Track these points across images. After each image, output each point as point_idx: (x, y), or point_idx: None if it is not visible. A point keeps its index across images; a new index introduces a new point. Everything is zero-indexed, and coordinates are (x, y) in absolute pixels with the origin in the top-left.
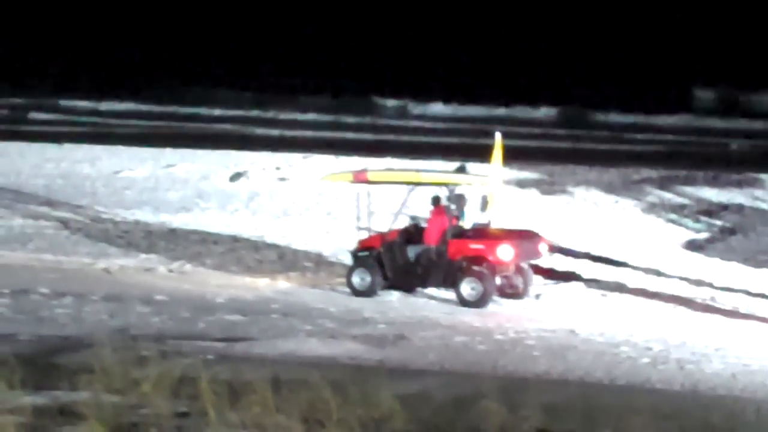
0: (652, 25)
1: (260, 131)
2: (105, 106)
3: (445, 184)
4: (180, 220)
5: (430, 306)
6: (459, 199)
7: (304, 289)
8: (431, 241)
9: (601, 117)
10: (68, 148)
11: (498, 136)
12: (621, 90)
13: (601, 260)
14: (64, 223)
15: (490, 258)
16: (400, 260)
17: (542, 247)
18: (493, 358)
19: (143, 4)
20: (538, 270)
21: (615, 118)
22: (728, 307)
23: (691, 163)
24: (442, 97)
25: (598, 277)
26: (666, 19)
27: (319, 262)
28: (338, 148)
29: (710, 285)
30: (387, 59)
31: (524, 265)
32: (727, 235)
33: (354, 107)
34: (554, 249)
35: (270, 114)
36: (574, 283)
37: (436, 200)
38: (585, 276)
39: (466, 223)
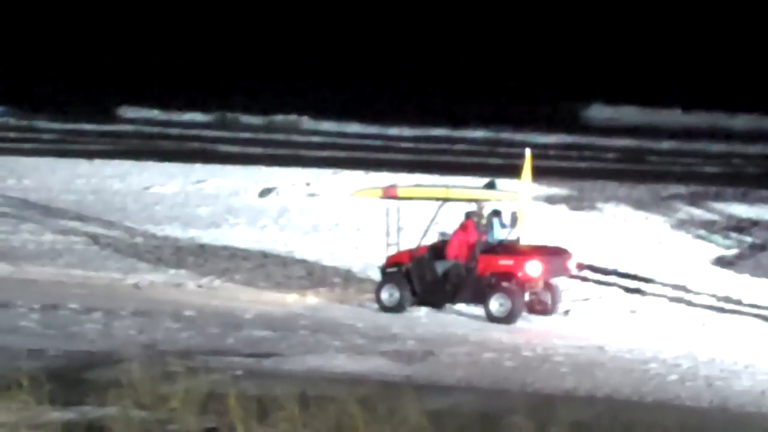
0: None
1: (289, 147)
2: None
3: (475, 200)
4: (209, 236)
5: (459, 322)
6: (495, 215)
7: (333, 305)
8: (452, 255)
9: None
10: (98, 163)
11: (528, 152)
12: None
13: (629, 276)
14: (94, 239)
15: (519, 274)
16: (428, 276)
17: (571, 264)
18: (521, 374)
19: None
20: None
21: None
22: (757, 324)
23: (721, 179)
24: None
25: (626, 293)
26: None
27: (348, 278)
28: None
29: (739, 301)
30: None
31: (553, 281)
32: (757, 251)
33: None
34: (583, 266)
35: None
36: (603, 299)
37: (469, 215)
38: (613, 293)
39: (501, 238)
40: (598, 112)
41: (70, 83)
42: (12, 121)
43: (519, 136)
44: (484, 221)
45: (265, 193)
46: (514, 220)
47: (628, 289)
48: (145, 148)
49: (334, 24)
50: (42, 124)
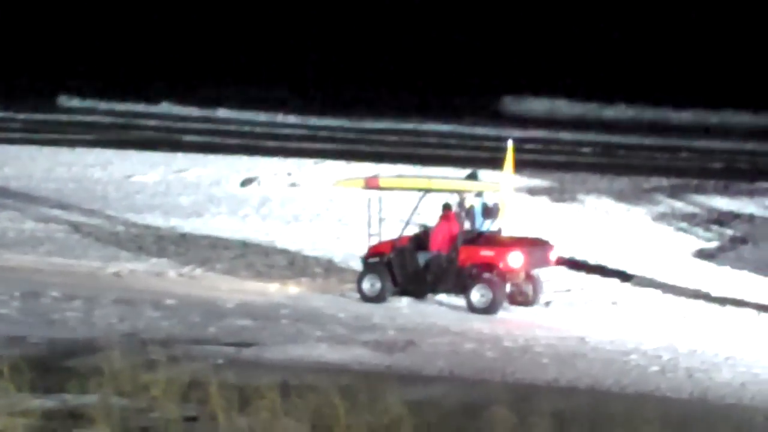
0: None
1: (271, 137)
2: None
3: (456, 191)
4: (191, 225)
5: (440, 312)
6: (477, 206)
7: (314, 294)
8: (435, 246)
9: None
10: (80, 152)
11: (510, 143)
12: None
13: (610, 269)
14: (75, 227)
15: (501, 265)
16: (410, 267)
17: (552, 255)
18: (502, 365)
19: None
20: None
21: None
22: (738, 316)
23: (702, 172)
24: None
25: (607, 285)
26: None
27: (330, 268)
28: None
29: (720, 294)
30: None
31: (534, 272)
32: (738, 244)
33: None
34: (563, 261)
35: (281, 119)
36: (584, 290)
37: (446, 207)
38: (595, 284)
39: (483, 228)
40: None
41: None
42: None
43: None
44: (463, 213)
45: (246, 182)
46: (496, 211)
47: (609, 281)
48: (124, 138)
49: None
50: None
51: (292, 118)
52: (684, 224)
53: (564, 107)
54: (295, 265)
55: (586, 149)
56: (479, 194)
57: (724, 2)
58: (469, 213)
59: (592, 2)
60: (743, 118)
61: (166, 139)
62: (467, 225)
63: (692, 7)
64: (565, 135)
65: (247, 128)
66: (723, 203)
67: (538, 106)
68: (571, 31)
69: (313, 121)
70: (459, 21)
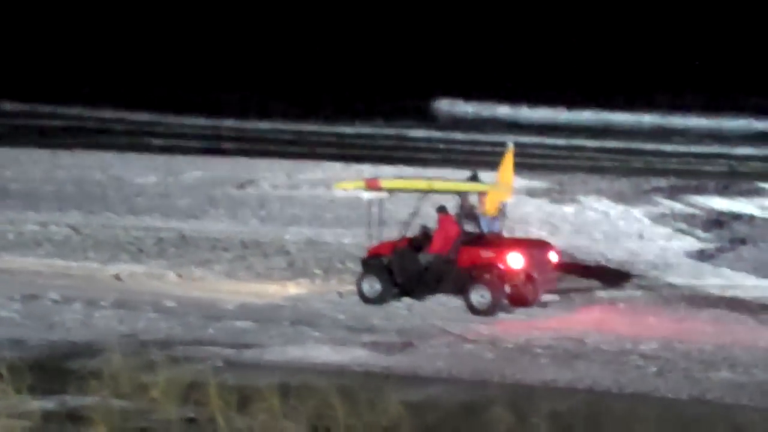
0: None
1: (271, 138)
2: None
3: (457, 192)
4: (190, 227)
5: (439, 313)
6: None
7: (314, 296)
8: (435, 249)
9: None
10: (79, 154)
11: (510, 145)
12: None
13: (608, 272)
14: (75, 229)
15: (500, 266)
16: (410, 268)
17: (552, 256)
18: (501, 366)
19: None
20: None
21: None
22: (736, 317)
23: (702, 173)
24: None
25: (608, 287)
26: None
27: (329, 269)
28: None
29: (719, 295)
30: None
31: (533, 273)
32: (738, 245)
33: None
34: (563, 265)
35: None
36: (583, 291)
37: (441, 209)
38: (593, 285)
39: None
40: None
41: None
42: None
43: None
44: (462, 214)
45: (245, 184)
46: (501, 212)
47: (607, 282)
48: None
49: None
50: None
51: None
52: (683, 225)
53: (564, 115)
54: (294, 267)
55: (586, 153)
56: (483, 195)
57: (722, 3)
58: (474, 215)
59: (594, 5)
60: (741, 123)
61: (165, 143)
62: (472, 227)
63: (689, 7)
64: (565, 141)
65: (246, 132)
66: (722, 204)
67: (537, 114)
68: (571, 35)
69: (312, 126)
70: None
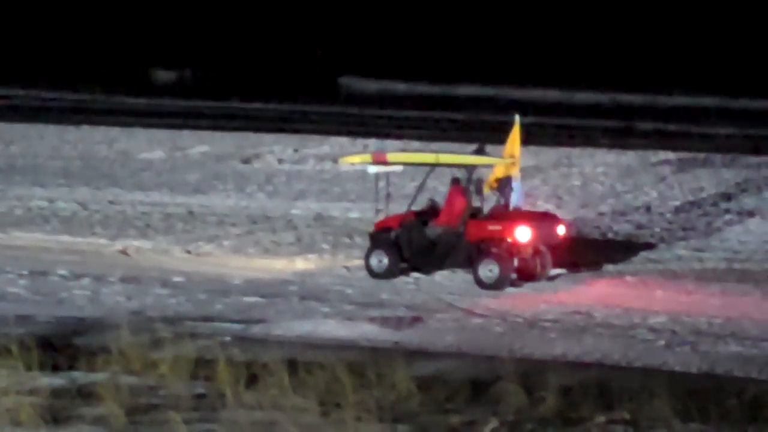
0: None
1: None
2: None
3: (464, 165)
4: (197, 202)
5: (447, 288)
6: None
7: (322, 271)
8: (443, 221)
9: None
10: (86, 130)
11: (517, 118)
12: None
13: (616, 244)
14: (82, 205)
15: (508, 239)
16: (417, 242)
17: (560, 229)
18: (509, 340)
19: None
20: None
21: None
22: (744, 290)
23: (709, 145)
24: None
25: (616, 260)
26: None
27: (337, 244)
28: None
29: (727, 268)
30: None
31: (542, 247)
32: (745, 217)
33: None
34: (571, 236)
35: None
36: (591, 265)
37: (454, 181)
38: (602, 258)
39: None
40: None
41: None
42: None
43: None
44: (471, 187)
45: (251, 159)
46: (507, 185)
47: (616, 255)
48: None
49: None
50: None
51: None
52: (691, 198)
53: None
54: (302, 242)
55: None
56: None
57: None
58: (505, 188)
59: None
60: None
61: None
62: (501, 200)
63: None
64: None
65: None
66: (730, 176)
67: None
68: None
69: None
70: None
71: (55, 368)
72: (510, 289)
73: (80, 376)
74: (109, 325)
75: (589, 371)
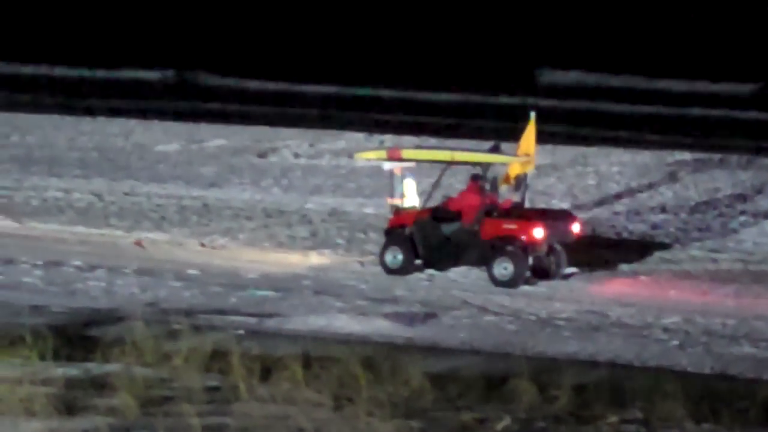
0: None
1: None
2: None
3: (479, 163)
4: (213, 195)
5: (462, 285)
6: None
7: (336, 265)
8: (458, 216)
9: None
10: (102, 121)
11: (532, 115)
12: None
13: (631, 243)
14: (98, 196)
15: (523, 238)
16: (432, 238)
17: (575, 228)
18: (523, 338)
19: None
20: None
21: None
22: (759, 291)
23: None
24: None
25: (630, 260)
26: None
27: (352, 239)
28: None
29: (742, 269)
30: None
31: (556, 245)
32: (761, 218)
33: None
34: (586, 235)
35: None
36: (606, 264)
37: (475, 177)
38: (616, 257)
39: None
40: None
41: None
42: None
43: None
44: (487, 185)
45: (267, 153)
46: (518, 183)
47: (630, 254)
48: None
49: None
50: None
51: (313, 88)
52: (706, 198)
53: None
54: (317, 237)
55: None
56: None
57: None
58: (520, 186)
59: None
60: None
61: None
62: (517, 197)
63: None
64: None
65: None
66: (746, 178)
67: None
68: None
69: (335, 90)
70: None
71: (69, 359)
72: (524, 287)
73: (94, 367)
74: (124, 317)
75: (602, 370)
